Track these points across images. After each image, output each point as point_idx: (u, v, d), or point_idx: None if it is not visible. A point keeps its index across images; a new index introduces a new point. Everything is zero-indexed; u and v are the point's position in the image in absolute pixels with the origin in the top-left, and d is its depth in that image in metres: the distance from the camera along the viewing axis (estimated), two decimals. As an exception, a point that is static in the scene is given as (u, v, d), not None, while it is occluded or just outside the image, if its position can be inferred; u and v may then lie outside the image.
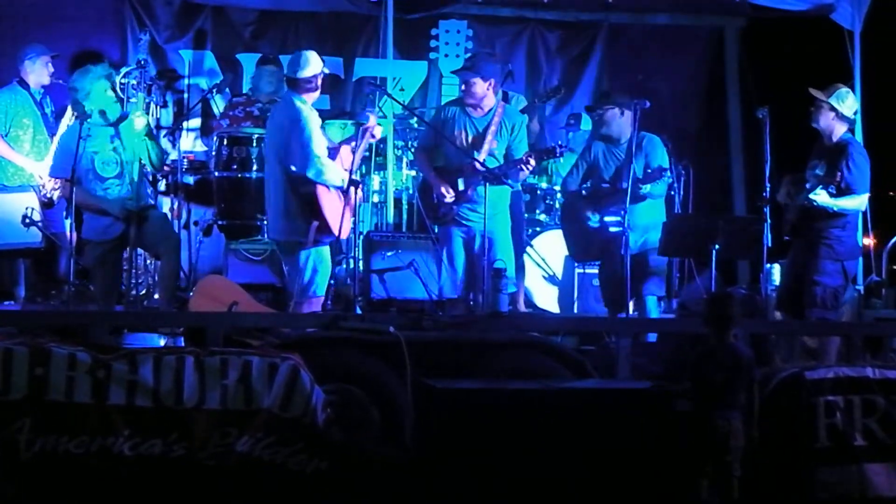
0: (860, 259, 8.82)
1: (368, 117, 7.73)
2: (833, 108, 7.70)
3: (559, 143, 8.28)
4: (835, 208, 7.58)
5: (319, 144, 7.41)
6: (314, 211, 7.39)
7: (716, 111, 11.21)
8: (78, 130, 7.50)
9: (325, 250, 7.54)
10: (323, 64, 7.64)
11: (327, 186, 7.41)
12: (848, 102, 7.77)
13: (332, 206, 7.44)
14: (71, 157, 7.39)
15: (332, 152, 7.60)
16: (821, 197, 7.53)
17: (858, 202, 7.72)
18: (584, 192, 8.23)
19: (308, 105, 7.50)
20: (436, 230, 8.07)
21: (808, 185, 7.65)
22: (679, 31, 11.21)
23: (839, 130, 7.77)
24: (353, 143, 7.75)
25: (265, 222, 8.33)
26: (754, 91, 9.96)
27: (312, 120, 7.43)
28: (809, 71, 8.66)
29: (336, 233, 7.41)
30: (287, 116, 7.48)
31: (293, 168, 7.36)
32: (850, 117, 7.81)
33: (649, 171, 7.89)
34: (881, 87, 9.46)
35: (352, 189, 7.47)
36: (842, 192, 7.58)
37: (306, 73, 7.50)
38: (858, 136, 8.79)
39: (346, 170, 7.49)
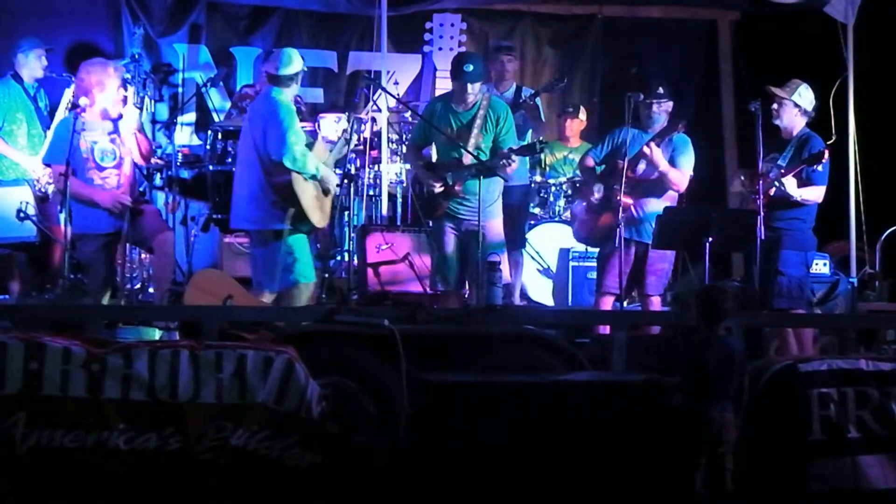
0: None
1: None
2: (796, 105, 7.81)
3: (539, 139, 8.31)
4: (798, 197, 7.66)
5: (297, 136, 7.49)
6: (292, 199, 7.47)
7: (709, 104, 11.22)
8: (73, 121, 7.49)
9: (303, 238, 7.60)
10: (303, 62, 7.76)
11: (304, 176, 7.49)
12: (807, 97, 7.87)
13: (308, 195, 7.54)
14: (66, 147, 7.38)
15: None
16: (789, 183, 7.60)
17: (818, 193, 7.77)
18: (597, 170, 8.23)
19: (288, 99, 7.60)
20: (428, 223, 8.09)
21: (771, 175, 7.71)
22: (672, 24, 11.22)
23: (800, 125, 7.88)
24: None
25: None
26: (747, 84, 9.96)
27: (291, 112, 7.54)
28: (802, 64, 8.65)
29: (314, 222, 7.55)
30: (266, 108, 7.58)
31: (271, 156, 7.43)
32: (810, 112, 7.90)
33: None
34: (874, 80, 9.47)
35: (331, 180, 7.67)
36: (803, 183, 7.68)
37: (287, 70, 7.60)
38: (851, 131, 8.85)
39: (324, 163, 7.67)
